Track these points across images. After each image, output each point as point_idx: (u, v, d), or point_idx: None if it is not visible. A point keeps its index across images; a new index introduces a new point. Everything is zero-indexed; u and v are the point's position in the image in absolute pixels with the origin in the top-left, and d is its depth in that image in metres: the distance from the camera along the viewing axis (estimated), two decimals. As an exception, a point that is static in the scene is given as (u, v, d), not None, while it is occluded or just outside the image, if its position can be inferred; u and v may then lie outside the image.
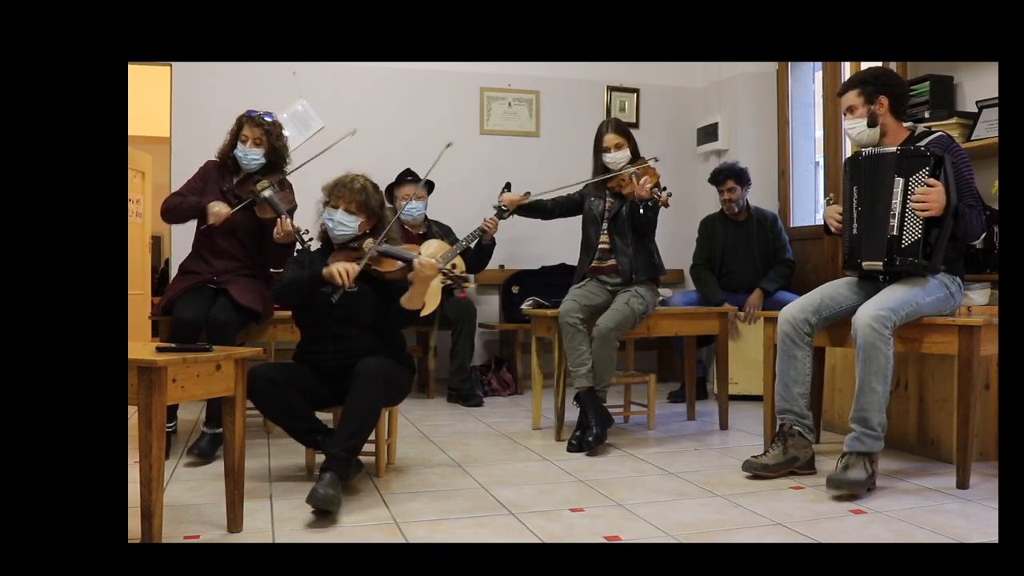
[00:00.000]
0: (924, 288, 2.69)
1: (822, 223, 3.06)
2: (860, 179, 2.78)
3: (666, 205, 3.29)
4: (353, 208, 2.72)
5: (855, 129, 2.82)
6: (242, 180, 3.36)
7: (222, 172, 3.41)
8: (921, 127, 2.90)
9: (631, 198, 3.34)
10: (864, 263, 2.77)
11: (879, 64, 2.94)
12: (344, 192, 2.72)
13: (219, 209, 3.19)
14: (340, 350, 2.68)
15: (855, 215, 2.79)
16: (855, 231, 2.79)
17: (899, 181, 2.67)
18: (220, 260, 3.30)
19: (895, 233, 2.68)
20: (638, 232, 3.41)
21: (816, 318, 2.82)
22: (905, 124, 2.85)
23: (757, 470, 2.73)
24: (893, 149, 2.70)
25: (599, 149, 3.49)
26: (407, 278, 2.66)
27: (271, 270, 3.49)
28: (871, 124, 2.79)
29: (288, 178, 3.45)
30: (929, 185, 2.60)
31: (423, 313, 4.35)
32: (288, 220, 3.20)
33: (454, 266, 2.74)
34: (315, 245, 3.01)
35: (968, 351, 2.60)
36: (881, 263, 2.73)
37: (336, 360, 2.66)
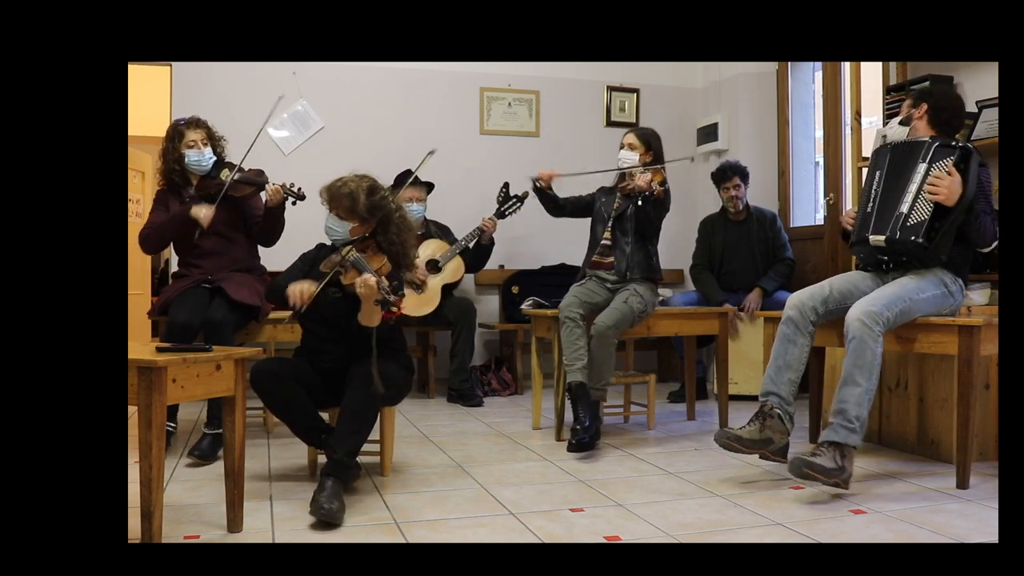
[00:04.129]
0: (919, 285, 2.70)
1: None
2: (884, 165, 2.88)
3: (661, 197, 3.33)
4: (342, 213, 2.66)
5: (888, 124, 3.00)
6: (199, 184, 3.37)
7: (174, 189, 3.40)
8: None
9: (631, 191, 3.38)
10: (871, 236, 2.82)
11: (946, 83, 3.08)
12: (332, 197, 2.68)
13: (204, 212, 3.21)
14: (336, 351, 2.67)
15: (872, 195, 2.88)
16: (869, 210, 2.87)
17: (923, 167, 2.76)
18: (210, 260, 3.30)
19: (904, 211, 2.75)
20: (640, 232, 3.44)
21: (823, 308, 2.84)
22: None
23: (730, 440, 2.69)
24: (926, 138, 2.80)
25: (620, 147, 3.57)
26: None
27: (269, 261, 3.51)
28: (903, 123, 2.92)
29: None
30: (949, 173, 2.67)
31: (422, 313, 4.40)
32: (273, 184, 3.27)
33: (392, 289, 2.46)
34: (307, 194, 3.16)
35: (968, 351, 2.60)
36: (884, 238, 2.77)
37: (333, 361, 2.66)
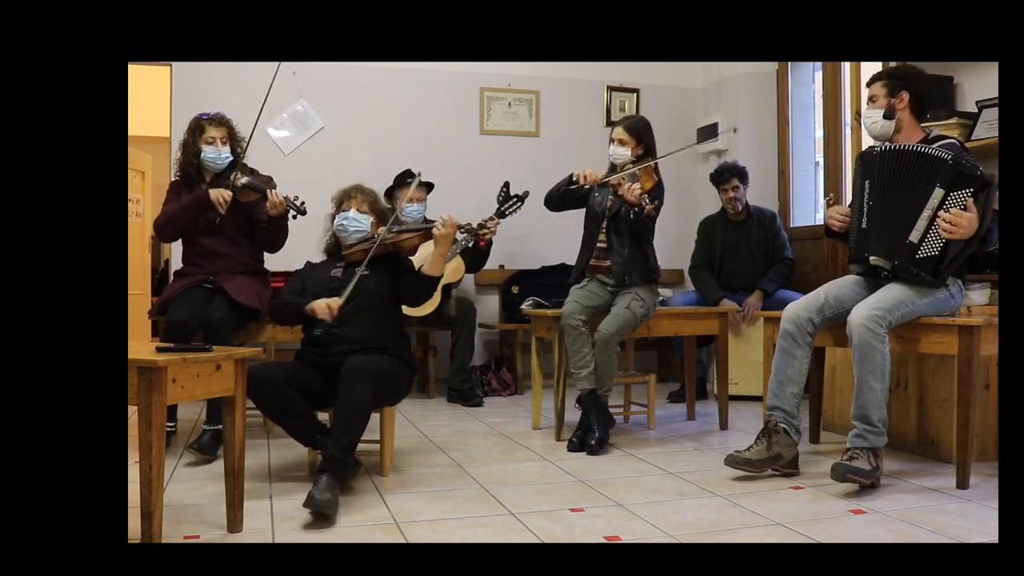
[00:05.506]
0: (922, 289, 2.69)
1: (823, 223, 3.07)
2: (874, 175, 2.77)
3: (650, 216, 3.28)
4: (365, 208, 2.86)
5: (870, 119, 2.82)
6: (212, 182, 3.35)
7: (188, 184, 3.38)
8: (935, 131, 2.90)
9: (621, 197, 3.35)
10: (872, 257, 2.77)
11: (911, 63, 2.91)
12: (356, 193, 2.88)
13: (218, 195, 3.19)
14: (341, 343, 2.69)
15: (865, 209, 2.79)
16: (864, 225, 2.79)
17: (939, 192, 2.62)
18: (213, 261, 3.29)
19: (915, 241, 2.66)
20: (635, 234, 3.41)
21: (820, 318, 2.82)
22: (922, 125, 2.84)
23: (739, 464, 2.72)
24: (947, 158, 2.63)
25: (610, 141, 3.51)
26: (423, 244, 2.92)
27: (271, 261, 3.51)
28: (887, 116, 2.78)
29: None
30: (965, 208, 2.57)
31: (422, 313, 4.40)
32: (276, 192, 3.23)
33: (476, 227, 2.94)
34: (308, 207, 3.24)
35: (968, 351, 2.60)
36: (890, 264, 2.73)
37: (338, 355, 2.66)
